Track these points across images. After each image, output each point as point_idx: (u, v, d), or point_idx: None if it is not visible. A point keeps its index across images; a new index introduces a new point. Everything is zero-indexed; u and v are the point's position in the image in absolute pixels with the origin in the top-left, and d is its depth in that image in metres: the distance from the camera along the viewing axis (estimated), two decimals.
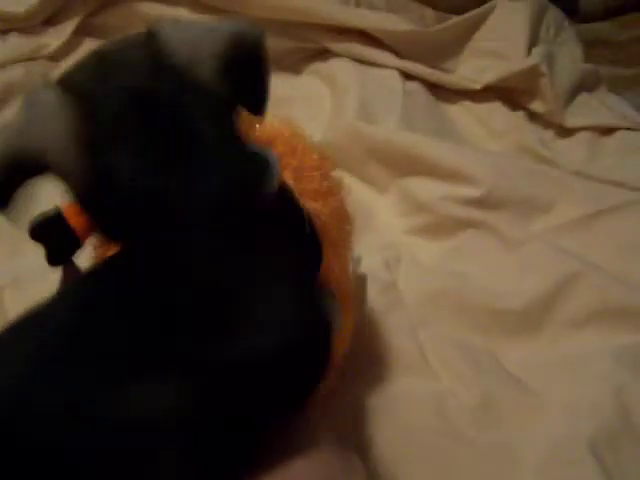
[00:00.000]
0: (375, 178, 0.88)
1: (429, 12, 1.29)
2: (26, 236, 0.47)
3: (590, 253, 0.72)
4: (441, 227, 0.79)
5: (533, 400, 0.59)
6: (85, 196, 0.39)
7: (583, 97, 1.09)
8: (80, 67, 0.40)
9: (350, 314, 0.54)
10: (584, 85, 1.11)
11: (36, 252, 0.48)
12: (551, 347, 0.66)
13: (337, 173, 0.58)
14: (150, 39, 0.40)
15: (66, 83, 0.39)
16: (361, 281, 0.65)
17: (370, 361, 0.63)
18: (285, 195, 0.45)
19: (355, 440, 0.56)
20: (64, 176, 0.38)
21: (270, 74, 0.42)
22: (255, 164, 0.41)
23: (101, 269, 0.43)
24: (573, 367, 0.62)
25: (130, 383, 0.36)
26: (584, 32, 1.41)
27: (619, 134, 1.02)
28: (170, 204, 0.38)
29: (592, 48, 1.36)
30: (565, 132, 1.04)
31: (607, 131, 1.03)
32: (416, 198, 0.82)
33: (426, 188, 0.82)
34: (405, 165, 0.85)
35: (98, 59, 0.40)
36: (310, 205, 0.49)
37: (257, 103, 0.43)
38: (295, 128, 0.57)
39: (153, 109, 0.38)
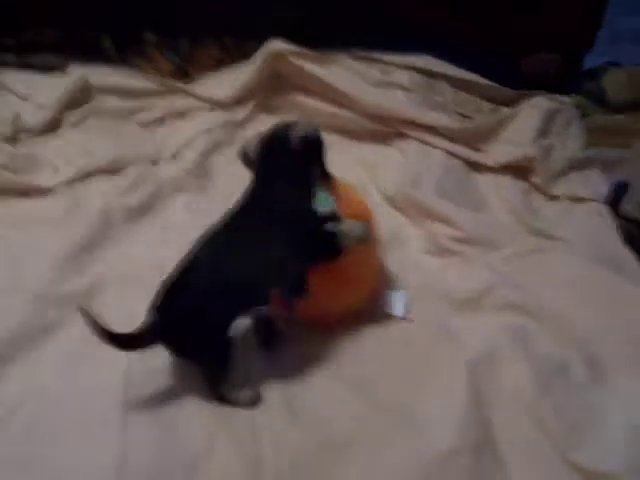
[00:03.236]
0: (412, 219, 1.50)
1: (486, 104, 1.89)
2: None
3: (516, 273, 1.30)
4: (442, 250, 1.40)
5: None
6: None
7: (573, 175, 1.65)
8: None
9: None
10: (576, 167, 1.66)
11: None
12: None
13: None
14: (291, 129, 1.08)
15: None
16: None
17: None
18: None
19: None
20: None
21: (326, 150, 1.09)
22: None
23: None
24: None
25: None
26: (605, 121, 1.92)
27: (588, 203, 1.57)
28: None
29: (609, 134, 1.87)
30: (552, 197, 1.61)
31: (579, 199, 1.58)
32: (434, 234, 1.44)
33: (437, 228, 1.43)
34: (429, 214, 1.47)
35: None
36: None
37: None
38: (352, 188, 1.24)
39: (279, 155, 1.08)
